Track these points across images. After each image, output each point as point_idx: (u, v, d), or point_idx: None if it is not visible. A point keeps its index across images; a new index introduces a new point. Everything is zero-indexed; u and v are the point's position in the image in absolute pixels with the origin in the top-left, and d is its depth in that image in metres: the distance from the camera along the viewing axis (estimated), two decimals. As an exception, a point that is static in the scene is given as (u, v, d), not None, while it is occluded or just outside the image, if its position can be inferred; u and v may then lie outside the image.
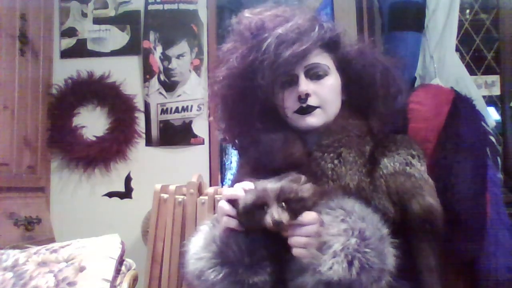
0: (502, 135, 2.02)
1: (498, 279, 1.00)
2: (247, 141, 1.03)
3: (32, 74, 2.05)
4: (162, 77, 2.24)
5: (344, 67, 0.99)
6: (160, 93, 2.24)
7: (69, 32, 2.30)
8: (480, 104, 1.56)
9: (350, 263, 0.71)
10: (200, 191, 1.67)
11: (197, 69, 2.25)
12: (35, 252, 1.36)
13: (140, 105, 2.26)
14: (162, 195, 1.67)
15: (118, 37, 2.29)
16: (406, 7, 1.77)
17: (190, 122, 2.24)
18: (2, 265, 1.33)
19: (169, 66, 2.25)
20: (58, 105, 2.22)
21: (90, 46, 2.29)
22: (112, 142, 2.19)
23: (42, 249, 1.37)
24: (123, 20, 2.29)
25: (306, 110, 0.94)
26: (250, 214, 0.78)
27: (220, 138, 1.14)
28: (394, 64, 1.00)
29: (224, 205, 0.82)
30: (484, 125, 1.12)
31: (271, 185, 0.78)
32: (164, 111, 2.24)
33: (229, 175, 2.58)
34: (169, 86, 2.24)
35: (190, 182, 1.66)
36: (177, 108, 2.23)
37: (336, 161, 0.90)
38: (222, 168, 2.50)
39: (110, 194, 2.23)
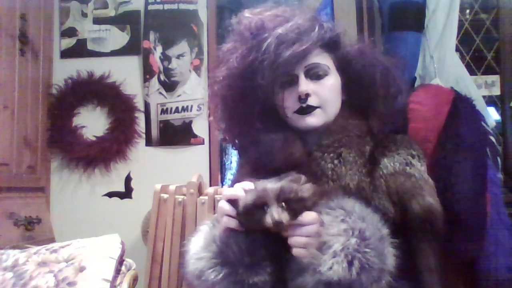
0: (502, 135, 2.02)
1: (498, 279, 1.00)
2: (247, 141, 1.03)
3: (32, 74, 2.05)
4: (162, 77, 2.25)
5: (344, 67, 0.99)
6: (160, 93, 2.24)
7: (69, 32, 2.30)
8: (480, 104, 1.56)
9: (350, 263, 0.71)
10: (200, 191, 1.67)
11: (197, 69, 2.25)
12: (35, 252, 1.36)
13: (140, 105, 2.26)
14: (162, 195, 1.67)
15: (118, 37, 2.29)
16: (406, 7, 1.77)
17: (190, 122, 2.24)
18: (2, 265, 1.33)
19: (169, 66, 2.25)
20: (58, 105, 2.22)
21: (90, 46, 2.29)
22: (112, 142, 2.19)
23: (42, 249, 1.37)
24: (123, 20, 2.29)
25: (306, 110, 0.94)
26: (250, 214, 0.78)
27: (220, 138, 1.14)
28: (394, 64, 1.00)
29: (224, 205, 0.82)
30: (484, 125, 1.12)
31: (271, 185, 0.78)
32: (164, 111, 2.24)
33: (229, 175, 2.58)
34: (169, 86, 2.24)
35: (190, 182, 1.66)
36: (177, 108, 2.23)
37: (336, 161, 0.90)
38: (222, 168, 2.50)
39: (110, 194, 2.23)
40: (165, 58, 2.25)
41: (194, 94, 2.24)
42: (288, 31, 0.91)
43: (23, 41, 1.96)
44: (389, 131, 0.97)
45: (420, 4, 1.77)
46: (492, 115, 2.04)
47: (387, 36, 1.83)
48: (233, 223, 0.81)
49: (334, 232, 0.74)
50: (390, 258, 0.76)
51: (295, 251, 0.75)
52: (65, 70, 2.26)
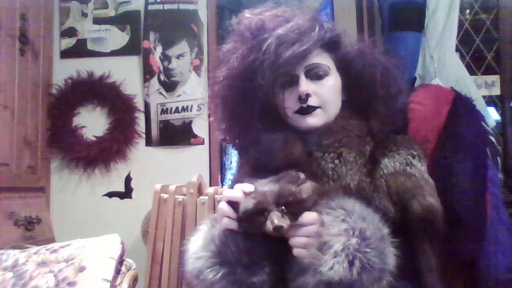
0: (502, 135, 2.02)
1: (498, 279, 1.00)
2: (247, 141, 1.03)
3: (32, 74, 2.05)
4: (162, 77, 2.24)
5: (344, 67, 0.99)
6: (160, 93, 2.24)
7: (69, 32, 2.30)
8: (480, 104, 1.57)
9: (351, 263, 0.71)
10: (200, 191, 1.67)
11: (197, 69, 2.25)
12: (35, 252, 1.36)
13: (140, 105, 2.26)
14: (162, 195, 1.67)
15: (118, 37, 2.29)
16: (406, 7, 1.77)
17: (190, 122, 2.24)
18: (2, 265, 1.33)
19: (169, 66, 2.25)
20: (58, 105, 2.21)
21: (90, 46, 2.29)
22: (112, 142, 2.19)
23: (42, 249, 1.37)
24: (123, 20, 2.29)
25: (307, 110, 0.94)
26: (250, 219, 0.77)
27: (220, 138, 1.14)
28: (394, 64, 1.00)
29: (224, 207, 0.82)
30: (484, 125, 1.12)
31: (270, 188, 0.77)
32: (164, 111, 2.24)
33: (229, 175, 2.58)
34: (169, 86, 2.24)
35: (190, 182, 1.66)
36: (177, 108, 2.23)
37: (336, 161, 0.90)
38: (222, 168, 2.50)
39: (110, 194, 2.23)
40: (165, 58, 2.25)
41: (194, 94, 2.24)
42: (288, 31, 0.91)
43: (23, 41, 1.96)
44: (389, 131, 0.98)
45: (420, 4, 1.78)
46: (492, 115, 2.04)
47: (387, 36, 1.83)
48: (233, 225, 0.80)
49: (335, 232, 0.74)
50: (390, 258, 0.76)
51: (296, 252, 0.75)
52: (65, 70, 2.25)
